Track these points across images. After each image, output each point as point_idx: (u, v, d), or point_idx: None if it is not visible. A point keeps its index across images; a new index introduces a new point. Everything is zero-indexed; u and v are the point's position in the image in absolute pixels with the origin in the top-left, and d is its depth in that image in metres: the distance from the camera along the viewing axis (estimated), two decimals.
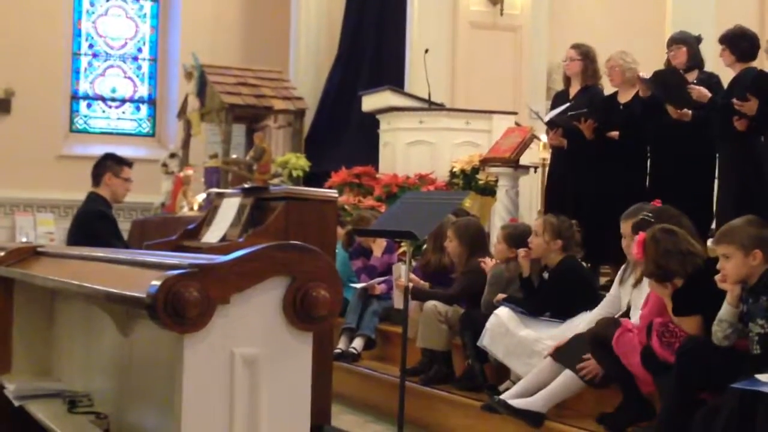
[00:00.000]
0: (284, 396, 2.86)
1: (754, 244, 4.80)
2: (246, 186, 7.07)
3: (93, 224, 7.05)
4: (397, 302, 7.56)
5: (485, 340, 6.44)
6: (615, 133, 7.85)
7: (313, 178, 12.15)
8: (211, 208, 6.97)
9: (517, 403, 5.86)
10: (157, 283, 2.72)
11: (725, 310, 4.86)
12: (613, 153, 7.83)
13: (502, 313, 6.43)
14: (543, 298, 6.51)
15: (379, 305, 8.21)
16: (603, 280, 7.56)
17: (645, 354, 5.20)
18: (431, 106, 11.33)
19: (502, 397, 6.00)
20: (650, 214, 5.73)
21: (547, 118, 8.34)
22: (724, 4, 13.25)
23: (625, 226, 5.90)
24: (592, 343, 5.65)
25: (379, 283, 8.29)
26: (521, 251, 6.63)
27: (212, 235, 6.54)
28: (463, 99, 12.22)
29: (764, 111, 6.59)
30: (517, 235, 6.92)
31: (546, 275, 6.62)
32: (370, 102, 11.80)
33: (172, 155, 13.75)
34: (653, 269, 5.18)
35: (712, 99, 7.04)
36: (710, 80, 7.53)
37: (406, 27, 12.83)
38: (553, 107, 8.47)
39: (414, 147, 11.08)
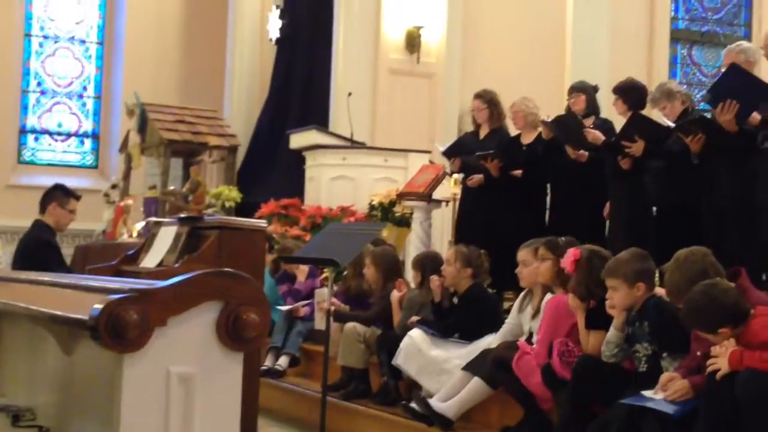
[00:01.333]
0: (216, 411, 2.85)
1: (638, 277, 4.87)
2: (182, 215, 7.02)
3: (37, 251, 6.93)
4: (320, 323, 7.54)
5: (399, 359, 6.45)
6: (519, 172, 7.96)
7: (244, 208, 12.07)
8: (149, 235, 6.89)
9: (435, 404, 5.90)
10: (99, 306, 2.70)
11: (612, 333, 4.94)
12: (517, 189, 7.94)
13: (415, 334, 6.45)
14: (452, 321, 6.54)
15: (303, 326, 8.19)
16: (507, 305, 7.62)
17: (545, 372, 5.25)
18: (353, 144, 11.35)
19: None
20: (562, 239, 5.77)
21: (442, 149, 8.60)
22: (617, 57, 13.55)
23: (522, 254, 5.97)
24: (493, 365, 5.68)
25: (303, 306, 8.26)
26: (434, 278, 6.66)
27: (150, 260, 6.47)
28: (382, 138, 12.24)
29: (648, 150, 6.73)
30: (426, 262, 6.96)
31: (455, 300, 6.66)
32: (297, 140, 11.79)
33: (114, 186, 13.60)
34: (581, 290, 5.18)
35: (605, 142, 7.18)
36: (605, 125, 7.69)
37: (331, 72, 12.86)
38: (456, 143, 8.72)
39: (337, 181, 11.08)
